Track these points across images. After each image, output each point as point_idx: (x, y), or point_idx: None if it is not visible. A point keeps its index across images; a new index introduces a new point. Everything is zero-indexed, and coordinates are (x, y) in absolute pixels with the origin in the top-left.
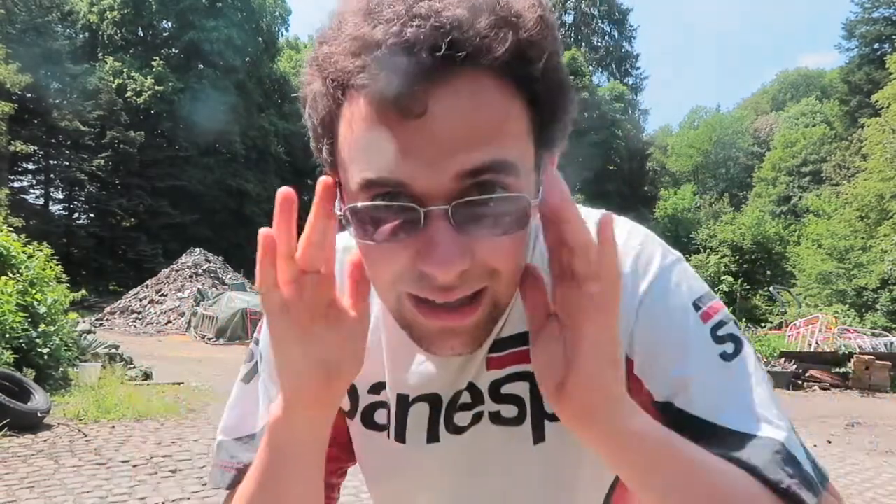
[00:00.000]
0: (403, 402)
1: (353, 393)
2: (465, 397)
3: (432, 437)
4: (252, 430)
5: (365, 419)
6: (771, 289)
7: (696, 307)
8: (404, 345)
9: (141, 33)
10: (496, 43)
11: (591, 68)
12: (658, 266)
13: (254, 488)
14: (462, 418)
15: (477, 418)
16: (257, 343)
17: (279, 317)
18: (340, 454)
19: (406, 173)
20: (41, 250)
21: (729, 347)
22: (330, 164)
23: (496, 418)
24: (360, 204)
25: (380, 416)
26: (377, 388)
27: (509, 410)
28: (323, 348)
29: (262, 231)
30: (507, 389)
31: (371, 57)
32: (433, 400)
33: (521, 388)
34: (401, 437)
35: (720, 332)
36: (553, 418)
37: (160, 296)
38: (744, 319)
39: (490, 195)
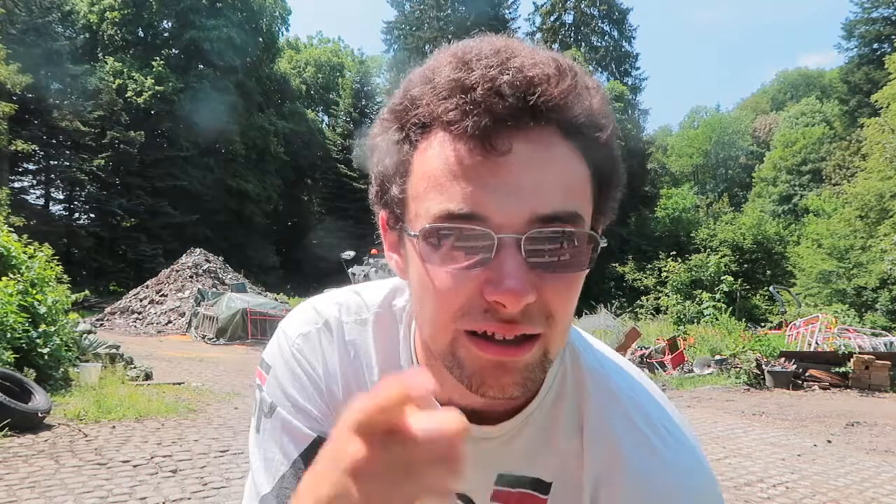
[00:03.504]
0: None
1: None
2: None
3: None
4: (295, 455)
5: None
6: (771, 288)
7: None
8: None
9: (141, 33)
10: (575, 104)
11: (590, 68)
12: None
13: None
14: None
15: None
16: (260, 389)
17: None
18: None
19: (485, 207)
20: (42, 251)
21: None
22: (397, 203)
23: None
24: (440, 225)
25: None
26: None
27: None
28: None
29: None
30: None
31: (464, 98)
32: None
33: None
34: None
35: None
36: None
37: (160, 296)
38: (744, 319)
39: (561, 229)
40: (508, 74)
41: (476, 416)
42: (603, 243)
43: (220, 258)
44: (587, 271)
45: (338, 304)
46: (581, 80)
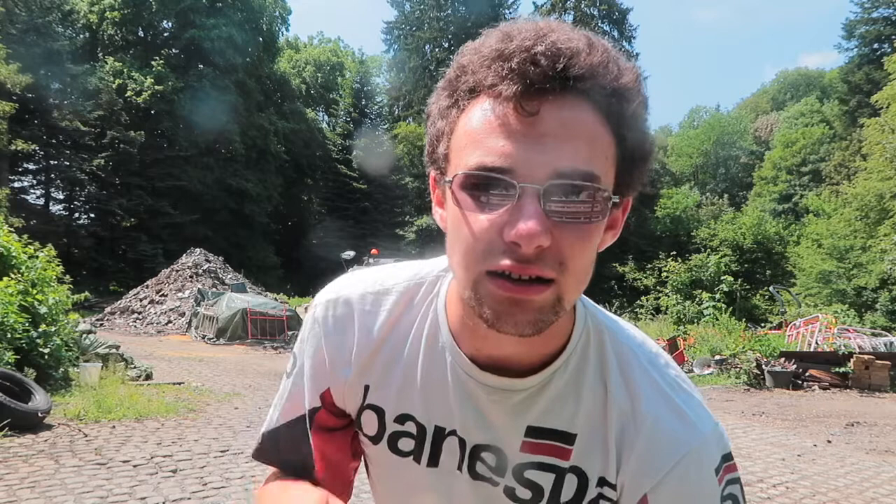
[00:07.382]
0: (440, 434)
1: (381, 420)
2: (490, 459)
3: (459, 466)
4: (300, 412)
5: (391, 445)
6: (771, 288)
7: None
8: (442, 382)
9: (141, 33)
10: (602, 77)
11: None
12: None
13: None
14: (482, 469)
15: (493, 482)
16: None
17: None
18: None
19: (513, 161)
20: (41, 250)
21: None
22: (443, 159)
23: (510, 494)
24: (473, 173)
25: (404, 444)
26: (403, 418)
27: (524, 493)
28: None
29: None
30: (530, 475)
31: (503, 65)
32: (460, 440)
33: (545, 479)
34: (434, 462)
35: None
36: None
37: (160, 296)
38: (744, 319)
39: (578, 183)
40: (542, 46)
41: (505, 371)
42: (615, 199)
43: (220, 258)
44: (601, 225)
45: (362, 281)
46: (612, 57)
